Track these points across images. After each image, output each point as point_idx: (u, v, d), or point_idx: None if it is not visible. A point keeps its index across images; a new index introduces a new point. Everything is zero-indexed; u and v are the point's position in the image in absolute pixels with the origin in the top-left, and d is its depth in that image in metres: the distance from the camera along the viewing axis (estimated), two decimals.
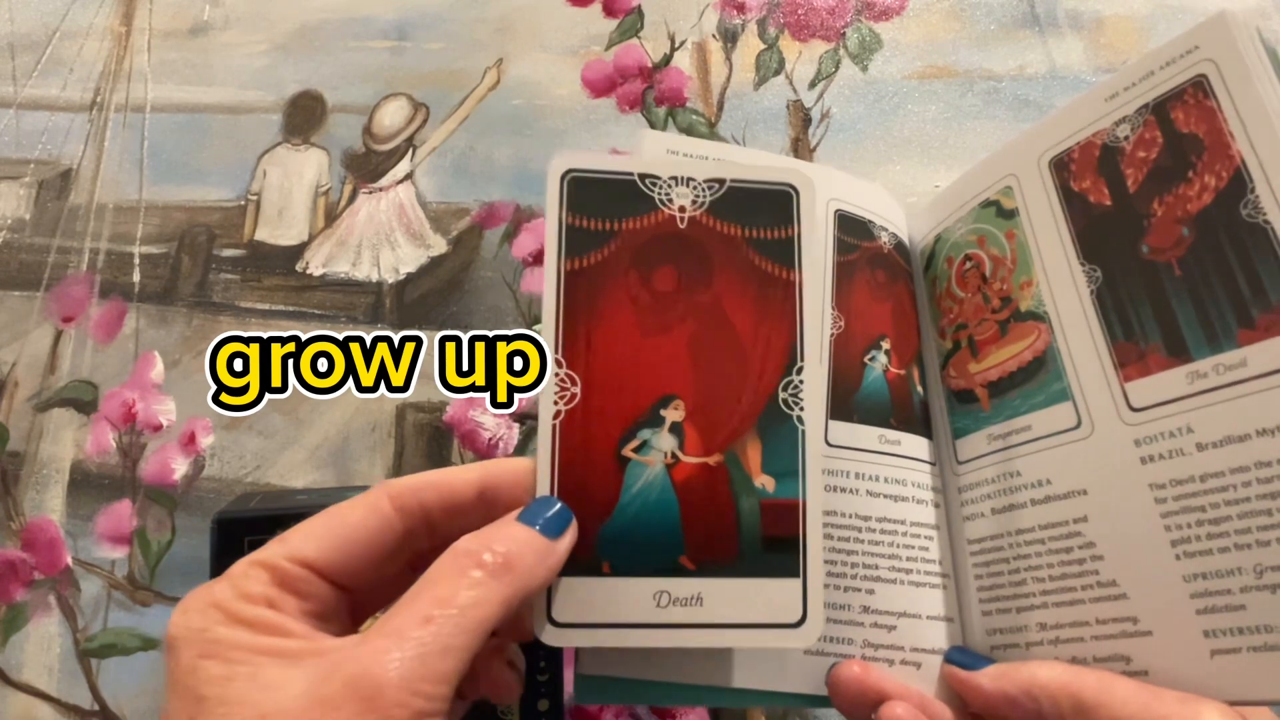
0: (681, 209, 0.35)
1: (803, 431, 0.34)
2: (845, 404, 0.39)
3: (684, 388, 0.33)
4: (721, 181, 0.36)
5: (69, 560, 0.53)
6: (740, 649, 0.34)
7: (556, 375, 0.33)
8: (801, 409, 0.34)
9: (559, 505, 0.31)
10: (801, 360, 0.34)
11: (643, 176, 0.35)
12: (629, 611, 0.32)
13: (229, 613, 0.26)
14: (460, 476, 0.31)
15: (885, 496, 0.39)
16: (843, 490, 0.38)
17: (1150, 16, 0.62)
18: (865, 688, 0.35)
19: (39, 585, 0.53)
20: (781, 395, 0.34)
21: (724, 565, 0.32)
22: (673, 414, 0.33)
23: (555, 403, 0.33)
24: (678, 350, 0.34)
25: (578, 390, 0.33)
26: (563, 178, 0.35)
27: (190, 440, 0.55)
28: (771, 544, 0.33)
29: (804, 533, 0.33)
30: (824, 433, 0.39)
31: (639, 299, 0.34)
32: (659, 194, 0.35)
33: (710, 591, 0.32)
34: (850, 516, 0.38)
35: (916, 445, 0.40)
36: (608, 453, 0.33)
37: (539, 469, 0.32)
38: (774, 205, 0.36)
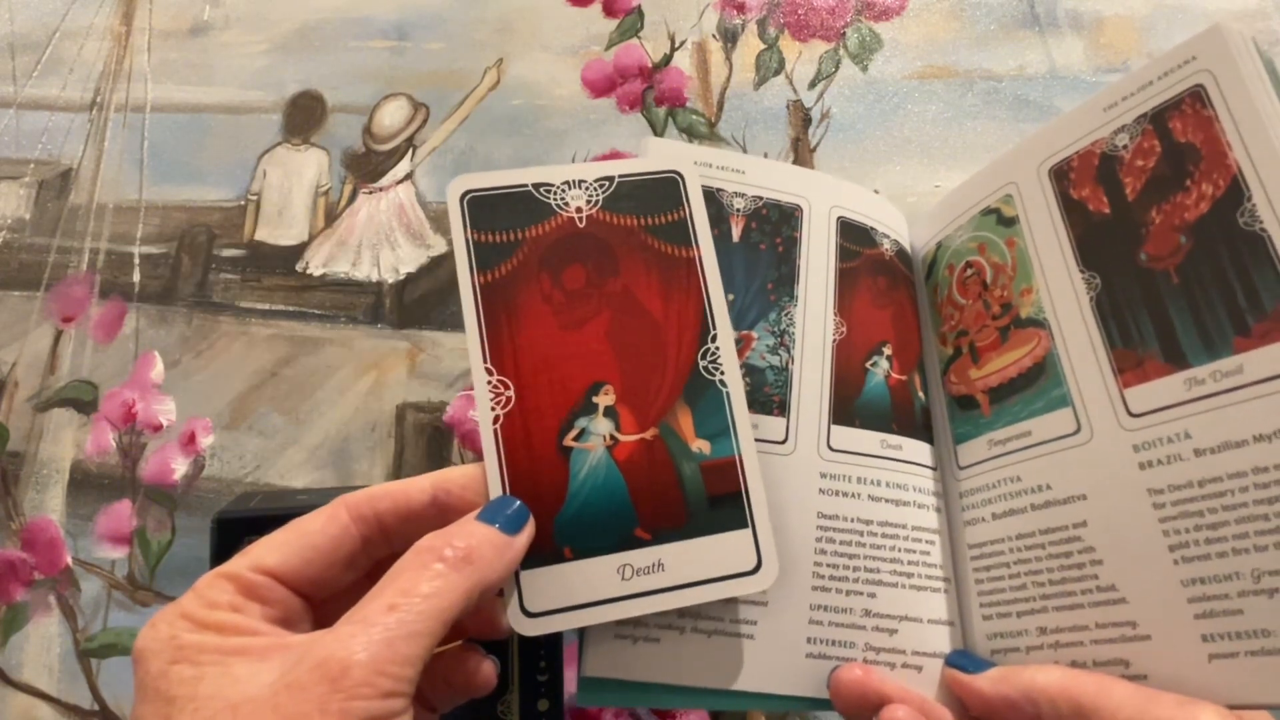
0: (578, 209, 0.37)
1: (727, 393, 0.36)
2: (847, 409, 0.40)
3: (611, 373, 0.35)
4: (611, 178, 0.38)
5: (69, 560, 0.53)
6: (705, 603, 0.35)
7: (489, 383, 0.34)
8: (723, 373, 0.36)
9: (517, 504, 0.32)
10: (715, 328, 0.36)
11: (537, 185, 0.37)
12: (596, 590, 0.33)
13: (196, 620, 0.27)
14: (414, 484, 0.32)
15: (887, 501, 0.39)
16: (844, 494, 0.38)
17: (1150, 17, 0.62)
18: (866, 691, 0.35)
19: (39, 585, 0.53)
20: (702, 364, 0.36)
21: (677, 529, 0.34)
22: (605, 399, 0.35)
23: (492, 409, 0.34)
24: (598, 339, 0.35)
25: (511, 394, 0.34)
26: (462, 199, 0.36)
27: (190, 440, 0.55)
28: (717, 501, 0.35)
29: (745, 485, 0.35)
30: (826, 436, 0.39)
31: (553, 299, 0.36)
32: (555, 199, 0.37)
33: (669, 556, 0.34)
34: (852, 521, 0.38)
35: (918, 450, 0.40)
36: (550, 446, 0.34)
37: (488, 472, 0.33)
38: (664, 191, 0.38)
